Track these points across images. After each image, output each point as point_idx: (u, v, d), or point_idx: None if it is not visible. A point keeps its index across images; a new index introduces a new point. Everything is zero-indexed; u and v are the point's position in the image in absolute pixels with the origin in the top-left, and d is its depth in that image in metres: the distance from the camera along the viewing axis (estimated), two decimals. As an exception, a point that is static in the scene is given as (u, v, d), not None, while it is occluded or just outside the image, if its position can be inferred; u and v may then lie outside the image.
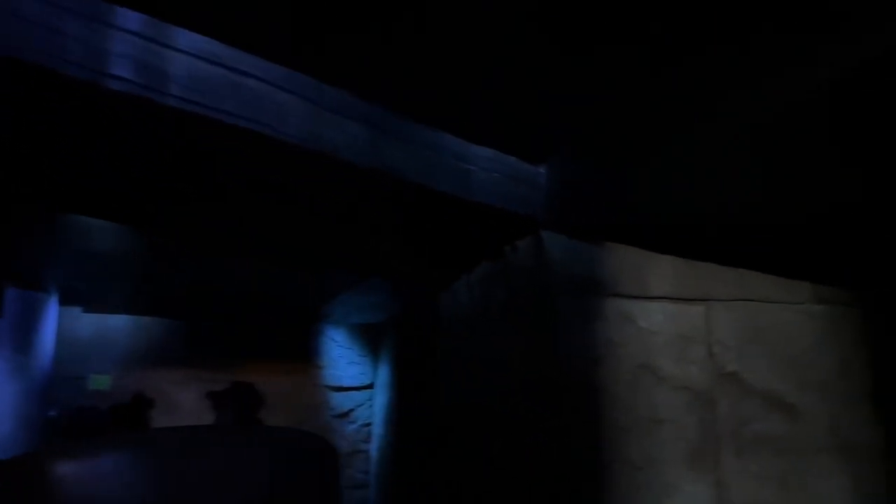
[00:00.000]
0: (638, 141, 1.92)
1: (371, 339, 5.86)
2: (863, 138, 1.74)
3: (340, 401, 5.71)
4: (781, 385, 2.30)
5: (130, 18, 1.55)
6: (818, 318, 2.38)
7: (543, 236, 2.29)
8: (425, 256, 2.81)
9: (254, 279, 3.86)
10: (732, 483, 2.20)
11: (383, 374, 5.64)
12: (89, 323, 5.14)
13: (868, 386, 2.35)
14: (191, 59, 1.61)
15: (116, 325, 5.23)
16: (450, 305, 3.09)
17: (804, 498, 2.20)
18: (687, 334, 2.30)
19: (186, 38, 1.60)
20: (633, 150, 1.94)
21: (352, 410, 5.73)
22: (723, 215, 2.21)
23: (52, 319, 4.65)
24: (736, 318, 2.35)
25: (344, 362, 5.75)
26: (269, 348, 5.62)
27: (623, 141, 1.98)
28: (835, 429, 2.28)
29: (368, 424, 5.80)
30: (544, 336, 2.27)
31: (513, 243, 2.45)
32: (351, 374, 5.77)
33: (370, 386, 5.84)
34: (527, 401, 2.34)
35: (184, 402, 5.40)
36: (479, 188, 2.15)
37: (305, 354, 5.70)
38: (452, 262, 2.80)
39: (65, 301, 4.81)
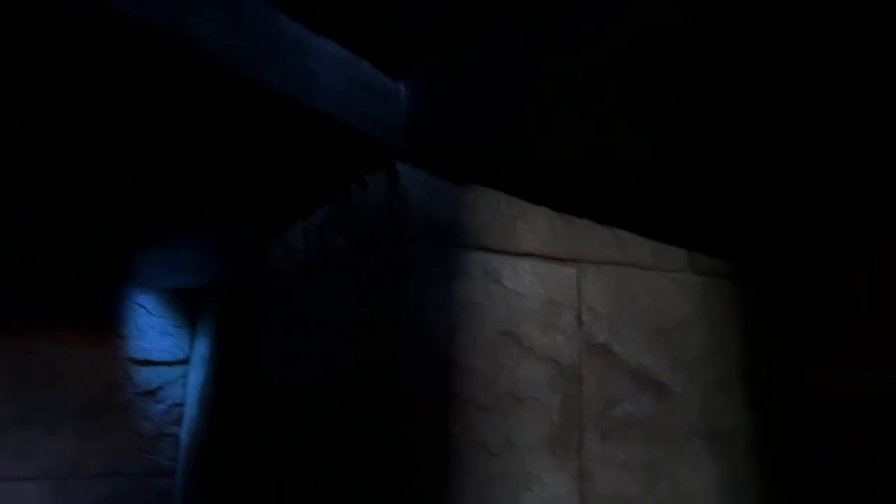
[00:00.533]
0: (513, 64, 1.53)
1: (189, 307, 5.10)
2: (744, 85, 1.48)
3: (147, 376, 4.90)
4: (653, 361, 2.05)
5: None
6: (693, 289, 2.16)
7: (400, 170, 1.85)
8: (248, 192, 2.25)
9: (32, 223, 3.04)
10: (596, 472, 1.90)
11: (202, 348, 4.92)
12: None
13: (740, 366, 2.17)
14: None
15: None
16: (280, 259, 2.56)
17: (672, 489, 1.96)
18: (557, 298, 1.97)
19: None
20: (508, 76, 1.55)
21: (160, 388, 4.95)
22: (601, 165, 1.90)
23: None
24: (609, 283, 2.06)
25: (154, 333, 4.94)
26: (62, 312, 4.68)
27: (497, 62, 1.59)
28: (705, 412, 2.07)
29: (180, 405, 5.05)
30: (395, 295, 1.83)
31: (361, 178, 1.98)
32: (162, 347, 4.97)
33: (185, 361, 5.08)
34: (371, 374, 1.89)
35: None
36: (322, 95, 1.65)
37: (107, 322, 4.82)
38: (284, 201, 2.27)
39: None
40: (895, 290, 3.01)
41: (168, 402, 4.98)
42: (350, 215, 2.05)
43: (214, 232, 2.84)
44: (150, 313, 4.95)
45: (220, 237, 2.95)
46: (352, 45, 1.69)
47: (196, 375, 4.91)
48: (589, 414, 1.94)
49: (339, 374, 2.04)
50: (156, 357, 4.94)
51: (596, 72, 1.39)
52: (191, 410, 4.94)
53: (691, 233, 2.15)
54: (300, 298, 2.37)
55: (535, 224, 1.99)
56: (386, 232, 1.88)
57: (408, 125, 1.84)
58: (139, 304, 4.90)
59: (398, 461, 1.72)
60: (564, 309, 1.98)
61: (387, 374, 1.80)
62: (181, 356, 5.05)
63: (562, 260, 2.01)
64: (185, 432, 4.97)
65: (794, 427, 2.21)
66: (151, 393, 4.90)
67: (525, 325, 1.91)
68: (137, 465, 4.84)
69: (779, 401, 2.21)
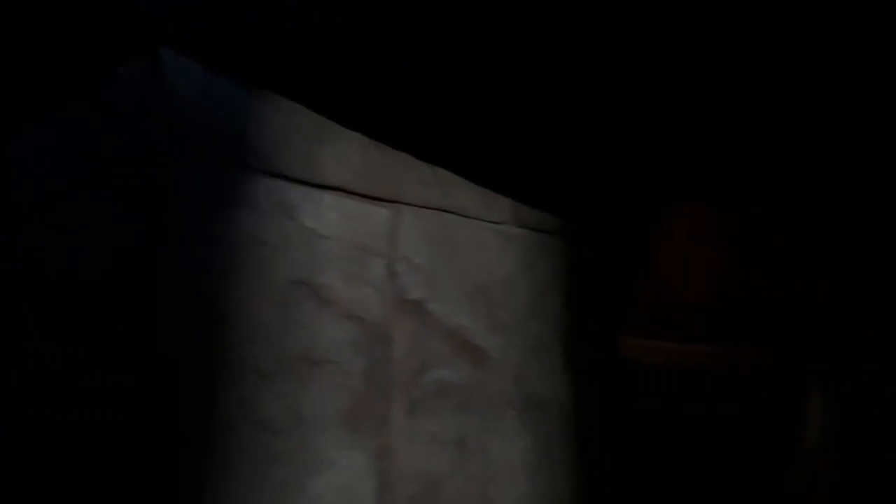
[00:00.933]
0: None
1: None
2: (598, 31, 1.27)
3: None
4: (471, 322, 1.80)
5: None
6: (517, 243, 1.95)
7: (165, 59, 1.38)
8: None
9: None
10: (401, 449, 1.62)
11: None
12: None
13: (560, 330, 2.00)
14: None
15: None
16: (3, 178, 1.93)
17: (483, 465, 1.73)
18: (367, 244, 1.64)
19: None
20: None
21: None
22: (431, 93, 1.60)
23: None
24: (428, 230, 1.77)
25: None
26: None
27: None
28: (522, 380, 1.87)
29: None
30: (150, 224, 1.37)
31: (111, 67, 1.47)
32: None
33: None
34: (117, 329, 1.42)
35: None
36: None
37: None
38: (8, 98, 1.67)
39: None
40: (689, 258, 3.11)
41: None
42: (97, 120, 1.53)
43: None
44: None
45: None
46: None
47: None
48: (397, 381, 1.64)
49: (80, 330, 1.53)
50: None
51: None
52: None
53: (519, 181, 1.93)
54: (32, 232, 1.79)
55: (345, 152, 1.63)
56: (143, 141, 1.41)
57: (181, -1, 1.37)
58: None
59: (145, 445, 1.29)
60: (375, 257, 1.65)
61: (135, 329, 1.35)
62: None
63: (375, 199, 1.67)
64: None
65: (607, 396, 2.11)
66: None
67: (326, 273, 1.55)
68: None
69: (595, 368, 2.09)
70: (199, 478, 1.34)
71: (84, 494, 1.45)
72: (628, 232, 2.38)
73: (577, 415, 2.00)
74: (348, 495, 1.51)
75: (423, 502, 1.63)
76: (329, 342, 1.52)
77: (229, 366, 1.39)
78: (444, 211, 1.81)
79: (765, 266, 3.38)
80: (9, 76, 1.61)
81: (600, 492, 2.10)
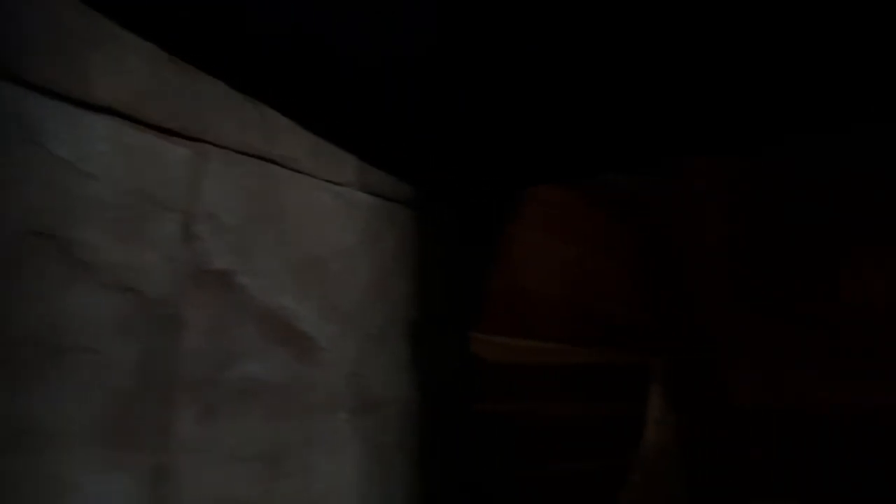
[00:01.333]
0: None
1: None
2: None
3: None
4: (297, 304, 1.43)
5: None
6: (360, 211, 1.60)
7: None
8: None
9: None
10: (188, 470, 1.20)
11: None
12: None
13: (406, 318, 1.67)
14: None
15: None
16: None
17: (303, 485, 1.36)
18: (152, 192, 1.21)
19: None
20: None
21: None
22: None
23: None
24: (244, 182, 1.37)
25: None
26: None
27: None
28: (358, 377, 1.52)
29: None
30: None
31: None
32: None
33: None
34: None
35: None
36: None
37: None
38: None
39: None
40: (544, 253, 2.94)
41: None
42: None
43: None
44: None
45: None
46: None
47: None
48: (187, 378, 1.23)
49: None
50: None
51: None
52: None
53: (366, 133, 1.58)
54: None
55: (127, 63, 1.19)
56: None
57: None
58: None
59: None
60: (165, 210, 1.23)
61: None
62: None
63: (170, 132, 1.25)
64: None
65: (455, 397, 1.82)
66: None
67: (86, 226, 1.11)
68: None
69: (443, 365, 1.79)
70: None
71: None
72: (485, 215, 2.12)
73: (422, 419, 1.68)
74: (103, 537, 1.08)
75: (220, 537, 1.24)
76: (83, 322, 1.08)
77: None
78: (268, 161, 1.42)
79: (619, 265, 3.32)
80: None
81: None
